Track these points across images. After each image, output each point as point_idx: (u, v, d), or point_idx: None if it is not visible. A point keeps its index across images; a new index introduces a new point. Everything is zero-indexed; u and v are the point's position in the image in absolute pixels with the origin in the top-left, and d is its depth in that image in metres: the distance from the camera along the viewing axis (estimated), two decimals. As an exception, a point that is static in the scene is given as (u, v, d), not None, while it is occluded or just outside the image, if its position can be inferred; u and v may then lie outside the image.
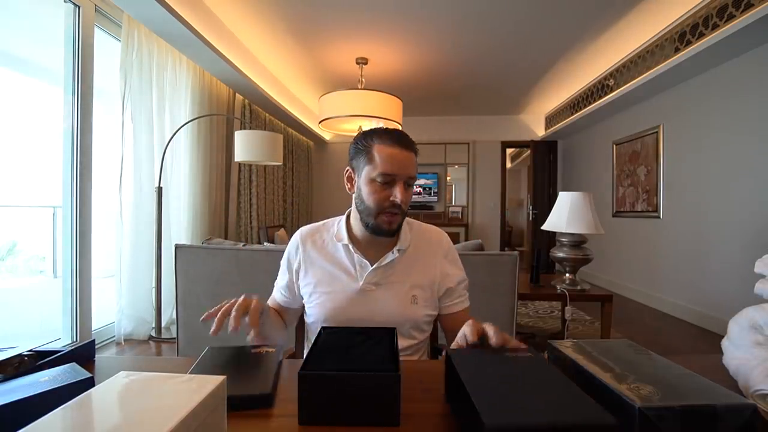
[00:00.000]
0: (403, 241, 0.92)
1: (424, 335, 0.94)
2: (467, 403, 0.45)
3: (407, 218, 0.98)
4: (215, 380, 0.46)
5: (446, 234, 1.01)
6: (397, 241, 0.91)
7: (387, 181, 0.84)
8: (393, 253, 0.90)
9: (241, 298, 0.76)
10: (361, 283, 0.88)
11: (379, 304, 0.87)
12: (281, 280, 0.98)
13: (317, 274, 0.91)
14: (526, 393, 0.47)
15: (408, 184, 0.86)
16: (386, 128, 0.89)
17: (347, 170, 0.92)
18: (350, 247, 0.90)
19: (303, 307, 0.97)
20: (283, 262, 0.98)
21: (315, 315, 0.90)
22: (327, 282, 0.90)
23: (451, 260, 0.96)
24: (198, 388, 0.44)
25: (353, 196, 0.91)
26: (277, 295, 0.99)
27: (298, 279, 0.94)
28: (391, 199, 0.84)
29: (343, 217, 0.96)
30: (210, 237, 2.17)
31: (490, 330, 0.64)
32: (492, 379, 0.50)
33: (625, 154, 4.25)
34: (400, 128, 3.68)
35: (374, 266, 0.88)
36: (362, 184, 0.87)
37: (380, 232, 0.87)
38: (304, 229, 0.98)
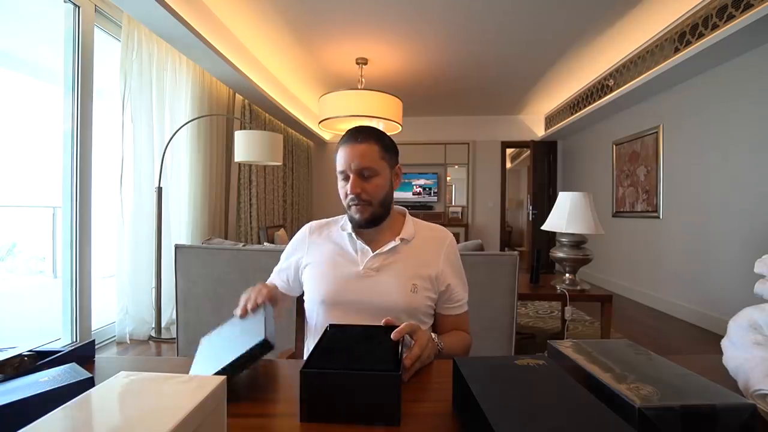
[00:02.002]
0: (406, 232, 0.95)
1: (425, 326, 0.93)
2: (481, 419, 0.43)
3: (412, 217, 1.01)
4: (215, 380, 0.46)
5: (452, 235, 1.02)
6: (400, 232, 0.95)
7: (344, 177, 0.91)
8: (395, 240, 0.92)
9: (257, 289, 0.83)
10: (361, 267, 0.90)
11: (378, 289, 0.89)
12: (281, 266, 1.02)
13: (319, 256, 0.95)
14: (543, 408, 0.44)
15: (363, 175, 0.89)
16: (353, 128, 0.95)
17: None
18: (353, 235, 0.93)
19: (299, 295, 1.01)
20: (287, 250, 1.02)
21: (313, 296, 0.92)
22: (328, 263, 0.93)
23: (453, 260, 0.96)
24: (198, 388, 0.44)
25: None
26: (276, 279, 1.02)
27: (299, 266, 0.98)
28: (348, 193, 0.89)
29: None
30: (210, 237, 2.17)
31: (415, 349, 0.68)
32: (505, 390, 0.48)
33: (625, 154, 4.26)
34: (400, 128, 3.70)
35: (376, 252, 0.91)
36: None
37: (356, 224, 0.92)
38: (313, 223, 1.04)
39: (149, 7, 2.18)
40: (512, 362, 0.56)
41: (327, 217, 1.04)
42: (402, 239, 0.93)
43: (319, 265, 0.94)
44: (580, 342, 0.64)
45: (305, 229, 1.02)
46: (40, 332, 2.74)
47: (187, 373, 0.62)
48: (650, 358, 0.57)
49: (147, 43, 2.60)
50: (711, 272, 3.06)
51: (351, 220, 0.94)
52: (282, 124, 4.93)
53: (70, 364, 0.61)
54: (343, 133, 0.94)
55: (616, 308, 3.45)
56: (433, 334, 0.83)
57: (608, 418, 0.41)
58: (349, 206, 0.91)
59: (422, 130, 5.96)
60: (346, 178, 0.90)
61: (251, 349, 0.60)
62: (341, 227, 0.98)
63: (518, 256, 1.65)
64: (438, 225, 1.03)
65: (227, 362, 0.59)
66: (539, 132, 5.94)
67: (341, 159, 0.90)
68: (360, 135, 0.90)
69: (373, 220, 0.91)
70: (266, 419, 0.54)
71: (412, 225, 0.98)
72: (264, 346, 0.60)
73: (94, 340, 0.77)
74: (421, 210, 6.14)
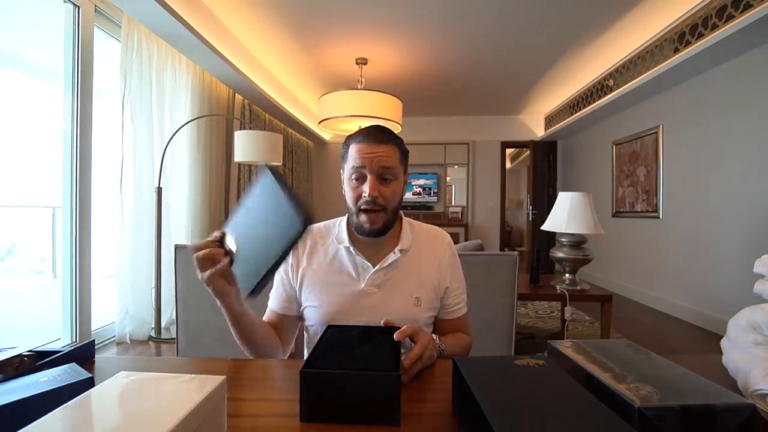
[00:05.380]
0: (404, 241, 0.90)
1: None
2: (481, 419, 0.42)
3: (409, 219, 0.97)
4: (215, 380, 0.46)
5: (449, 235, 0.99)
6: (398, 242, 0.90)
7: (358, 176, 0.83)
8: (394, 253, 0.88)
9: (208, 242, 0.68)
10: (362, 285, 0.86)
11: (381, 307, 0.86)
12: (278, 287, 0.93)
13: (318, 276, 0.89)
14: (543, 408, 0.44)
15: (383, 177, 0.83)
16: (366, 126, 0.88)
17: (342, 174, 0.92)
18: (351, 249, 0.88)
19: (302, 314, 0.93)
20: (281, 270, 0.93)
21: (315, 318, 0.88)
22: (328, 285, 0.88)
23: (452, 263, 0.94)
24: (198, 388, 0.44)
25: None
26: (274, 304, 0.92)
27: (298, 283, 0.90)
28: (363, 194, 0.82)
29: (344, 219, 0.94)
30: (210, 237, 2.17)
31: (416, 350, 0.67)
32: (505, 390, 0.48)
33: (624, 155, 4.26)
34: (400, 128, 3.71)
35: (376, 268, 0.87)
36: (345, 185, 0.88)
37: (363, 232, 0.85)
38: None
39: (149, 7, 2.18)
40: (512, 362, 0.56)
41: (326, 219, 0.99)
42: (401, 250, 0.89)
43: (318, 285, 0.88)
44: (580, 342, 0.64)
45: None
46: (40, 332, 2.74)
47: (187, 372, 0.62)
48: (650, 358, 0.57)
49: (147, 44, 2.60)
50: (711, 272, 3.06)
51: (357, 227, 0.86)
52: (282, 124, 4.93)
53: (70, 364, 0.61)
54: (357, 130, 0.87)
55: (616, 308, 3.45)
56: (434, 335, 0.83)
57: (608, 418, 0.41)
58: (360, 210, 0.83)
59: (422, 130, 5.96)
60: (361, 178, 0.82)
61: (292, 242, 0.57)
62: (336, 239, 0.90)
63: (518, 256, 1.65)
64: (435, 227, 0.99)
65: (268, 265, 0.58)
66: (539, 132, 5.94)
67: (358, 156, 0.82)
68: (383, 134, 0.84)
69: (384, 230, 0.85)
70: (266, 419, 0.54)
71: (409, 231, 0.93)
72: (304, 229, 0.57)
73: (93, 340, 0.77)
74: (421, 210, 6.14)
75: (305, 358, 0.59)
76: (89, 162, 2.29)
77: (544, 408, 0.44)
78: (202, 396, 0.42)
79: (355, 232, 0.90)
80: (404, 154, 0.89)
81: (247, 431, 0.51)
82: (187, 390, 0.44)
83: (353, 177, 0.84)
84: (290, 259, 0.92)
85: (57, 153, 2.23)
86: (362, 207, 0.83)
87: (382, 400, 0.51)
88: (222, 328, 1.80)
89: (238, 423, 0.52)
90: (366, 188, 0.81)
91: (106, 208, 2.70)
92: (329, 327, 0.72)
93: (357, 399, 0.51)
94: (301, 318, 0.93)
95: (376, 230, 0.84)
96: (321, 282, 0.88)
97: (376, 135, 0.84)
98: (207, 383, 0.45)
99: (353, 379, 0.52)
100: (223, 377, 0.47)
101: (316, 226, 0.97)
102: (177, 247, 1.74)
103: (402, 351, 0.64)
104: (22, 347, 0.66)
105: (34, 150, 3.21)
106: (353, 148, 0.84)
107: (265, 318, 0.92)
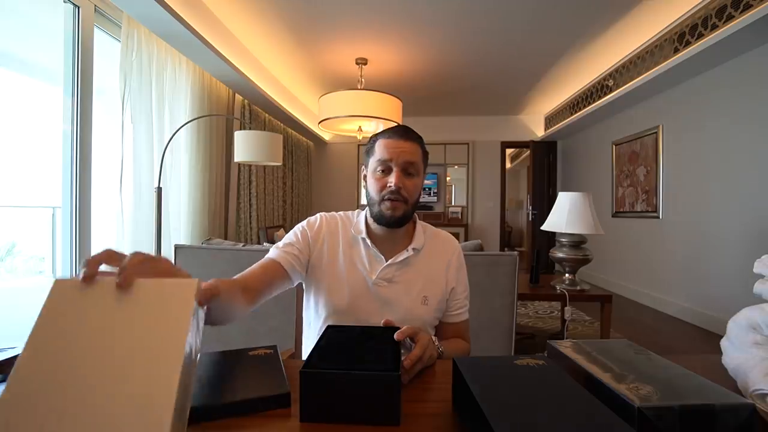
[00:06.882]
0: (418, 241, 0.93)
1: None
2: (481, 419, 0.43)
3: (422, 222, 0.99)
4: (190, 283, 0.46)
5: (458, 242, 1.03)
6: (412, 240, 0.93)
7: (384, 168, 0.88)
8: (407, 251, 0.91)
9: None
10: (374, 277, 0.89)
11: (389, 301, 0.88)
12: (289, 244, 0.90)
13: (332, 261, 0.91)
14: (542, 408, 0.44)
15: (407, 172, 0.88)
16: (393, 125, 0.94)
17: (363, 171, 0.96)
18: (367, 241, 0.91)
19: (297, 281, 0.91)
20: (298, 231, 0.93)
21: (322, 304, 0.89)
22: (340, 271, 0.90)
23: (459, 266, 0.97)
24: (181, 298, 0.44)
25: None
26: (279, 255, 0.87)
27: (314, 255, 0.91)
28: (388, 185, 0.86)
29: (363, 212, 0.97)
30: (210, 237, 2.17)
31: (417, 350, 0.66)
32: (505, 390, 0.48)
33: (624, 155, 4.26)
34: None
35: (388, 262, 0.90)
36: (368, 177, 0.92)
37: (383, 220, 0.88)
38: (325, 214, 0.98)
39: (149, 8, 2.18)
40: (512, 362, 0.56)
41: None
42: (414, 249, 0.92)
43: (331, 272, 0.90)
44: (580, 342, 0.64)
45: (320, 219, 0.96)
46: (40, 332, 2.73)
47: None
48: (650, 358, 0.57)
49: (147, 44, 2.60)
50: (711, 272, 3.06)
51: (378, 215, 0.88)
52: (282, 124, 4.93)
53: (70, 364, 0.61)
54: (383, 130, 0.93)
55: (616, 308, 3.45)
56: (433, 337, 0.83)
57: (607, 418, 0.41)
58: (383, 200, 0.86)
59: (422, 130, 5.82)
60: (386, 170, 0.88)
61: (268, 397, 0.56)
62: (353, 228, 0.94)
63: (518, 256, 1.65)
64: (445, 232, 1.03)
65: (240, 398, 0.55)
66: (539, 132, 5.94)
67: (384, 150, 0.87)
68: (409, 133, 0.90)
69: (403, 220, 0.89)
70: (266, 419, 0.54)
71: (422, 232, 0.96)
72: (282, 398, 0.56)
73: (94, 340, 0.77)
74: (421, 210, 6.14)
75: (305, 358, 0.59)
76: (89, 162, 2.29)
77: (543, 408, 0.44)
78: (192, 301, 0.43)
79: (371, 226, 0.93)
80: (425, 154, 0.94)
81: (247, 431, 0.51)
82: (169, 300, 0.43)
83: (379, 169, 0.88)
84: (312, 234, 0.93)
85: (57, 153, 2.23)
86: (386, 197, 0.87)
87: (382, 399, 0.51)
88: (221, 328, 1.79)
89: (236, 423, 0.52)
90: (392, 179, 0.86)
91: (106, 208, 2.70)
92: (329, 327, 0.72)
93: (357, 399, 0.51)
94: (291, 281, 0.89)
95: (397, 218, 0.87)
96: (333, 268, 0.91)
97: (403, 132, 0.90)
98: (185, 287, 0.45)
99: (353, 379, 0.52)
100: (197, 279, 0.47)
101: (335, 214, 0.99)
102: (177, 247, 1.74)
103: (402, 351, 0.64)
104: (22, 347, 0.65)
105: (34, 150, 3.21)
106: (380, 143, 0.89)
107: (256, 265, 0.85)
